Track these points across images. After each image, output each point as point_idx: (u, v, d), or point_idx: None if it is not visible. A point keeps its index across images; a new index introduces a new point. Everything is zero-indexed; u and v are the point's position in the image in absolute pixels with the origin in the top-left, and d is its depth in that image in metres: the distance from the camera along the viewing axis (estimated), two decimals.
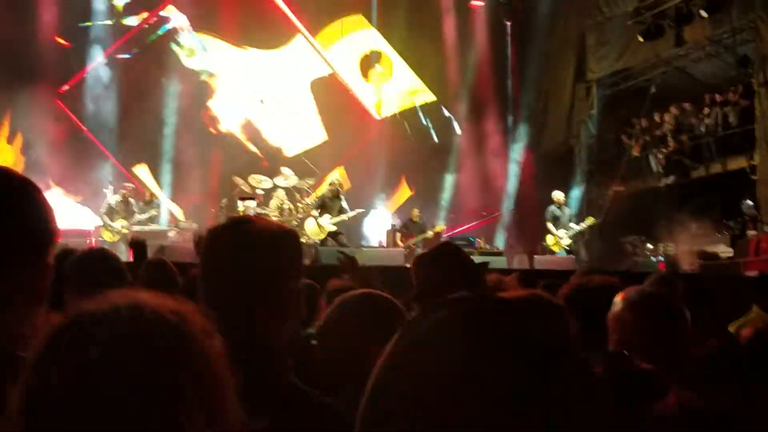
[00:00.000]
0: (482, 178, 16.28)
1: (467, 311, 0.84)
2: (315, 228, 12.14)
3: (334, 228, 12.15)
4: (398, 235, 13.28)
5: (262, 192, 13.29)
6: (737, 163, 13.66)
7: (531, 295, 2.01)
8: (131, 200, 12.10)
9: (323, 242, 11.85)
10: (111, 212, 11.96)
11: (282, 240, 1.73)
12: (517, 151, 16.75)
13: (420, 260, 2.73)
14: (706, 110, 14.60)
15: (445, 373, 0.78)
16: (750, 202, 12.69)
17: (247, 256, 1.67)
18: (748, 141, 13.21)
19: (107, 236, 11.89)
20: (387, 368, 0.83)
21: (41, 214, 1.35)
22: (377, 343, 1.91)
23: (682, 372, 2.08)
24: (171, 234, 12.57)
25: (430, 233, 13.13)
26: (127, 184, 12.59)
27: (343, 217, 12.29)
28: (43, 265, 1.35)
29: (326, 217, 12.21)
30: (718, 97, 14.48)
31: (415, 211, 13.72)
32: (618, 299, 2.39)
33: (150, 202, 12.70)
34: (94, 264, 2.80)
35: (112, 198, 12.13)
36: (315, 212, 12.28)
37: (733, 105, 14.02)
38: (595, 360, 2.18)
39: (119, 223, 11.90)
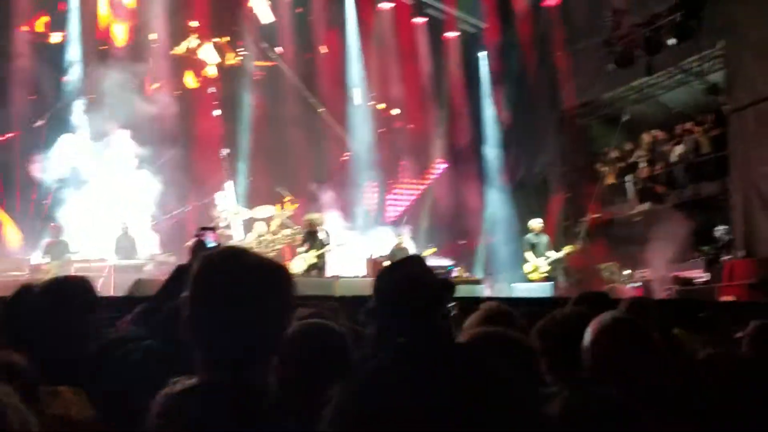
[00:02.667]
0: (460, 207, 16.38)
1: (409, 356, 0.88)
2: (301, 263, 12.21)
3: (315, 260, 12.19)
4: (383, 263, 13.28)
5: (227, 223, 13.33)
6: (710, 189, 13.86)
7: (488, 333, 2.04)
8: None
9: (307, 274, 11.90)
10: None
11: (281, 275, 1.73)
12: (494, 180, 16.90)
13: (379, 272, 2.73)
14: (679, 138, 14.86)
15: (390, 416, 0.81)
16: (723, 228, 12.85)
17: (247, 290, 1.65)
18: (720, 168, 13.42)
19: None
20: (341, 409, 0.86)
21: None
22: (311, 373, 1.92)
23: (653, 400, 2.11)
24: (148, 267, 12.48)
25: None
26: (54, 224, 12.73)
27: (324, 249, 12.33)
28: None
29: (309, 252, 12.26)
30: (689, 125, 14.74)
31: (403, 237, 13.74)
32: (590, 327, 2.41)
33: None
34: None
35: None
36: (302, 248, 12.32)
37: (705, 132, 14.27)
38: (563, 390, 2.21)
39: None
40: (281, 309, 1.70)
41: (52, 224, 12.81)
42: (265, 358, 1.68)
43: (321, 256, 12.25)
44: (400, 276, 2.17)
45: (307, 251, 12.22)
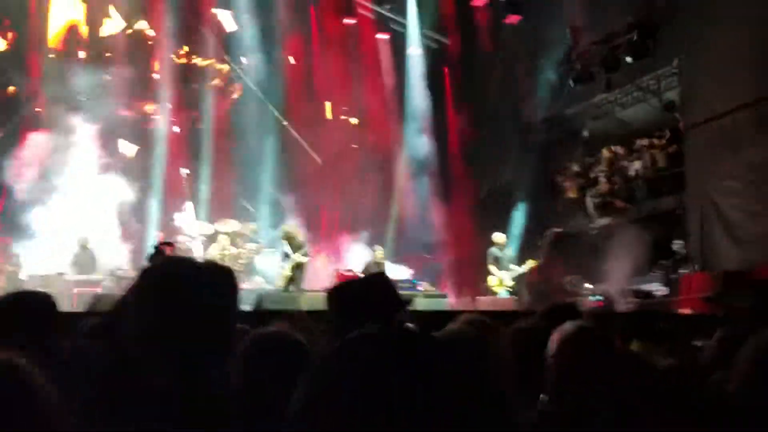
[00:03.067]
0: (425, 222, 16.45)
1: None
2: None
3: (290, 273, 12.12)
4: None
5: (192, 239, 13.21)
6: (668, 204, 14.13)
7: (453, 332, 2.06)
8: None
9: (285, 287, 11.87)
10: None
11: (222, 278, 1.71)
12: (458, 194, 16.99)
13: (342, 285, 2.76)
14: (637, 153, 15.14)
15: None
16: (680, 242, 13.10)
17: (185, 294, 1.63)
18: (677, 183, 13.68)
19: None
20: (306, 401, 0.87)
21: None
22: (273, 378, 1.91)
23: (616, 408, 2.14)
24: (106, 282, 12.28)
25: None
26: None
27: (295, 261, 12.25)
28: None
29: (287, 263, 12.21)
30: (647, 141, 15.03)
31: (379, 253, 13.72)
32: (554, 337, 2.44)
33: None
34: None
35: None
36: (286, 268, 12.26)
37: (662, 148, 14.56)
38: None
39: None
40: (227, 312, 1.69)
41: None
42: (215, 364, 1.65)
43: (298, 268, 12.16)
44: (358, 289, 2.20)
45: (281, 262, 12.15)
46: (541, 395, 2.33)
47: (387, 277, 2.65)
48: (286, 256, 12.21)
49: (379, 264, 13.30)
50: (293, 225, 13.01)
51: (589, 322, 3.18)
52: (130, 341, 1.63)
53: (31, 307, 2.75)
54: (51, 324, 2.74)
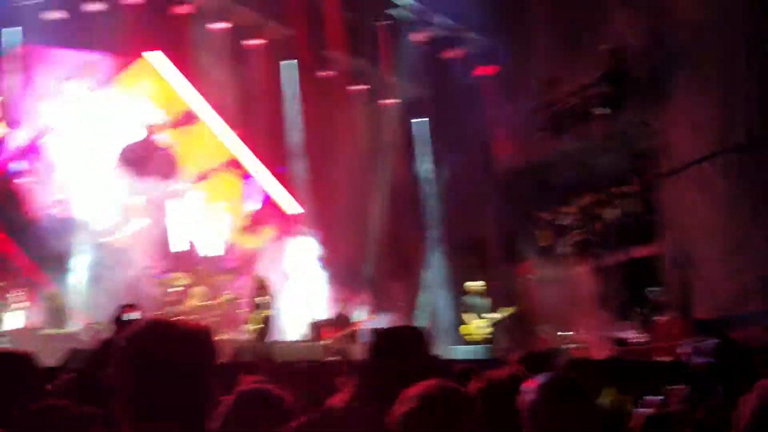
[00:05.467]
0: (399, 271, 16.46)
1: None
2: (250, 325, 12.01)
3: (261, 325, 12.05)
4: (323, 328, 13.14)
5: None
6: (642, 251, 14.25)
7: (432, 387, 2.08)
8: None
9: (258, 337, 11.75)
10: None
11: (201, 338, 1.76)
12: (433, 246, 17.07)
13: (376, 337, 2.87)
14: (610, 201, 15.30)
15: None
16: (656, 289, 13.20)
17: (173, 357, 1.68)
18: (649, 230, 13.84)
19: None
20: None
21: None
22: None
23: None
24: (83, 337, 12.06)
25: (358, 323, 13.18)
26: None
27: (264, 312, 12.21)
28: None
29: (254, 313, 12.11)
30: (620, 189, 15.20)
31: (343, 303, 13.69)
32: (528, 387, 2.45)
33: None
34: None
35: None
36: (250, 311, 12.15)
37: (635, 196, 14.75)
38: None
39: None
40: (207, 376, 1.73)
41: None
42: (197, 426, 1.69)
43: (266, 318, 12.10)
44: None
45: (251, 312, 12.05)
46: None
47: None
48: (257, 306, 12.16)
49: (342, 316, 13.25)
50: (263, 275, 12.95)
51: (565, 371, 3.20)
52: (111, 401, 1.65)
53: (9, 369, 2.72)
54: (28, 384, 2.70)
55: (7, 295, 11.68)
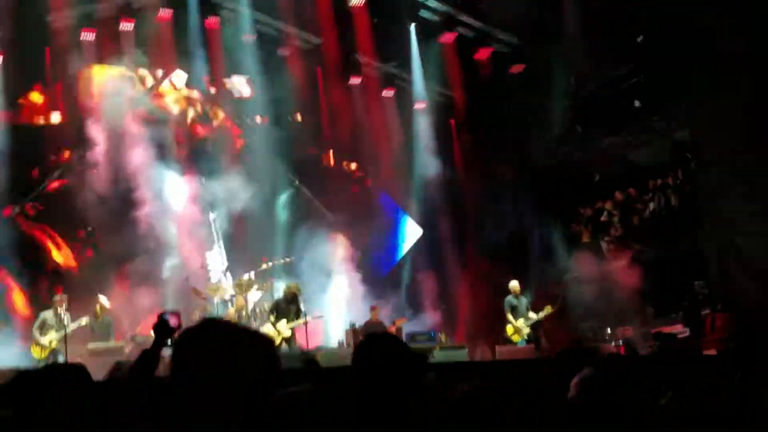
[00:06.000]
0: (438, 272, 16.41)
1: None
2: (272, 333, 12.01)
3: (289, 333, 12.09)
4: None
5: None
6: (684, 244, 14.03)
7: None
8: (61, 312, 11.79)
9: (277, 346, 11.74)
10: (43, 327, 11.69)
11: (262, 344, 1.74)
12: (470, 246, 16.99)
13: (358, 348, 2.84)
14: (650, 195, 15.10)
15: None
16: (700, 282, 12.97)
17: (227, 362, 1.65)
18: (692, 222, 13.62)
19: (35, 353, 11.58)
20: None
21: None
22: None
23: None
24: (127, 349, 12.25)
25: (392, 328, 13.16)
26: (58, 297, 12.17)
27: (300, 321, 12.24)
28: None
29: (282, 321, 12.14)
30: (659, 182, 15.00)
31: (375, 311, 13.69)
32: (573, 382, 2.46)
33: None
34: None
35: (47, 313, 11.87)
36: (272, 317, 12.19)
37: (674, 188, 14.53)
38: None
39: (48, 338, 11.63)
40: (265, 378, 1.70)
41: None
42: (251, 427, 1.67)
43: (294, 328, 12.17)
44: (378, 354, 2.26)
45: (277, 320, 12.10)
46: None
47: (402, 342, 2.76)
48: (291, 312, 12.21)
49: (376, 324, 13.24)
50: (295, 283, 12.98)
51: (605, 368, 3.16)
52: (171, 406, 1.64)
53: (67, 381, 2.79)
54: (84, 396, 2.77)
55: (62, 309, 11.86)
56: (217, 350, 1.66)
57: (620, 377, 2.48)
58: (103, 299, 12.53)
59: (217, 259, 15.04)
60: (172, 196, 15.01)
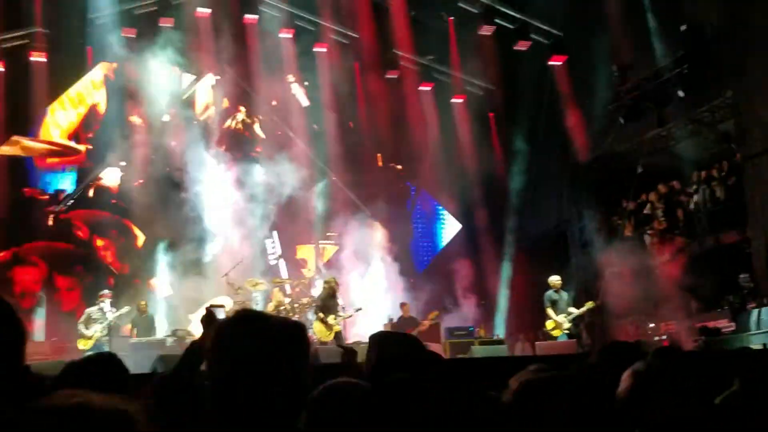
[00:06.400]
0: (477, 267, 16.33)
1: None
2: (323, 328, 12.03)
3: (340, 327, 12.11)
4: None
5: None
6: (730, 237, 13.74)
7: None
8: (104, 307, 12.14)
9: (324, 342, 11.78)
10: (88, 321, 12.01)
11: (298, 332, 1.73)
12: (510, 239, 16.86)
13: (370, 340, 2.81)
14: (694, 187, 14.80)
15: None
16: (746, 275, 12.69)
17: (266, 349, 1.65)
18: (738, 215, 13.33)
19: (81, 344, 11.88)
20: None
21: None
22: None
23: None
24: (168, 343, 12.43)
25: (426, 323, 13.12)
26: (104, 292, 12.52)
27: (347, 314, 12.29)
28: None
29: (330, 317, 12.16)
30: (704, 174, 14.69)
31: (406, 307, 13.66)
32: (625, 375, 2.42)
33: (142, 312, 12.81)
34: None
35: (92, 308, 12.23)
36: (320, 314, 12.18)
37: (719, 180, 14.22)
38: None
39: (93, 329, 11.91)
40: (300, 367, 1.68)
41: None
42: (289, 418, 1.65)
43: (332, 324, 12.19)
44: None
45: (324, 315, 12.12)
46: None
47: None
48: (325, 311, 12.24)
49: (407, 318, 13.24)
50: (333, 278, 12.98)
51: (655, 361, 3.08)
52: (207, 394, 1.64)
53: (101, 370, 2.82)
54: (122, 386, 2.79)
55: (107, 303, 12.18)
56: (254, 340, 1.65)
57: (674, 372, 2.41)
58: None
59: (269, 247, 15.38)
60: (218, 185, 15.40)
